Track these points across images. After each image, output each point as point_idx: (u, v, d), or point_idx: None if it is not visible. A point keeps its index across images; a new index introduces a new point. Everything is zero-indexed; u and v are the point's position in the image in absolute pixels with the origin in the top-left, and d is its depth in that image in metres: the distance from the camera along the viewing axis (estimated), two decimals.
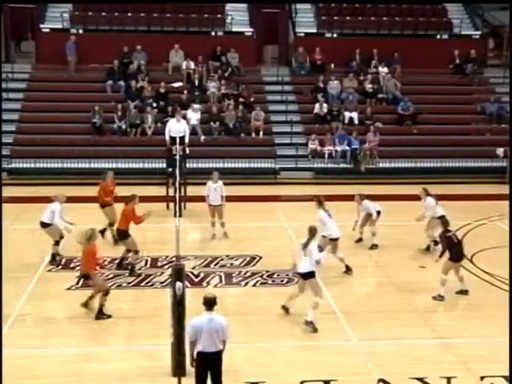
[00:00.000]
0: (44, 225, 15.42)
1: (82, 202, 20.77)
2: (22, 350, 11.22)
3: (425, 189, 16.39)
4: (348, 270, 14.79)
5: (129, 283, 14.13)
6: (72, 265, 15.25)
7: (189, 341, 9.28)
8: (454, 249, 13.44)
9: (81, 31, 28.31)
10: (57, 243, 15.45)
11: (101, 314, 12.53)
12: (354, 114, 26.76)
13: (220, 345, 9.17)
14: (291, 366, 10.74)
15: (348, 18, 29.69)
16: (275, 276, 14.75)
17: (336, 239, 14.54)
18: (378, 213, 16.34)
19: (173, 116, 23.63)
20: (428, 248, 16.17)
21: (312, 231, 12.29)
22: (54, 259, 15.41)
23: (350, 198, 17.55)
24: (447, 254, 13.50)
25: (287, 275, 14.73)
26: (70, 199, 20.55)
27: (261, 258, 15.90)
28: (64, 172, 23.63)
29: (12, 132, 25.52)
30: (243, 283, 14.48)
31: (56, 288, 13.98)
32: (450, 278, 13.47)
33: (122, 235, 14.90)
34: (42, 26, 28.53)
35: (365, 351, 11.24)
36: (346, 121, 26.63)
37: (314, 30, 29.81)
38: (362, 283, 14.61)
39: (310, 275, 12.13)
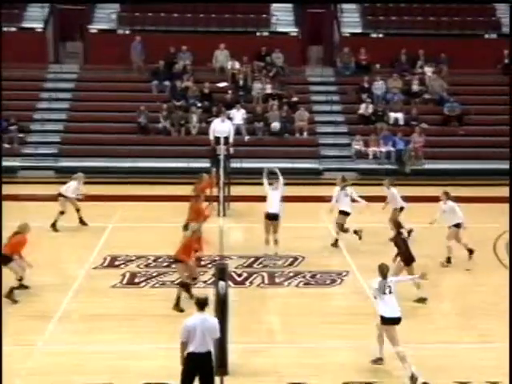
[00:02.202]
0: (60, 195, 17.97)
1: (126, 200, 21.05)
2: (68, 346, 11.40)
3: (446, 192, 15.91)
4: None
5: (172, 282, 14.23)
6: (117, 263, 15.45)
7: (180, 341, 9.18)
8: (407, 251, 13.28)
9: (127, 32, 28.63)
10: (61, 213, 17.75)
11: (176, 306, 12.66)
12: (400, 115, 26.55)
13: (211, 345, 9.16)
14: (334, 367, 10.71)
15: (394, 17, 29.46)
16: (318, 277, 14.72)
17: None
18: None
19: (217, 116, 23.76)
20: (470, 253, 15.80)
21: (383, 270, 10.75)
22: (54, 226, 17.65)
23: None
24: (399, 256, 13.35)
25: (330, 276, 14.71)
26: (114, 198, 21.00)
27: (304, 258, 15.88)
28: (109, 171, 23.92)
29: (60, 131, 25.95)
30: (286, 283, 14.48)
31: (101, 285, 14.16)
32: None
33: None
34: (89, 26, 28.94)
35: (409, 354, 11.13)
36: (391, 121, 26.44)
37: (360, 30, 29.64)
38: (407, 286, 14.46)
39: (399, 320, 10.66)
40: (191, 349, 9.09)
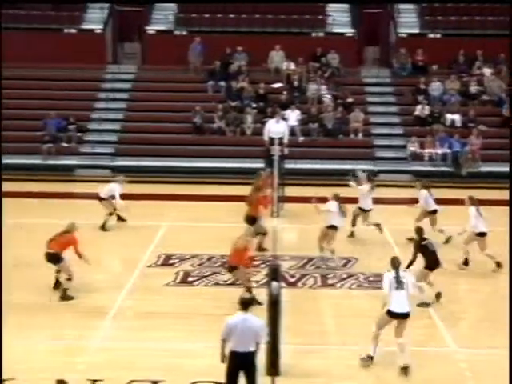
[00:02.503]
0: (100, 199, 17.95)
1: (181, 199, 21.29)
2: (123, 342, 11.59)
3: (470, 197, 15.60)
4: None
5: (225, 281, 14.33)
6: (171, 261, 15.61)
7: (220, 338, 9.30)
8: (430, 257, 13.07)
9: (184, 33, 28.90)
10: (110, 214, 17.87)
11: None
12: (457, 116, 26.17)
13: (252, 346, 9.17)
14: (385, 370, 10.62)
15: (452, 17, 29.06)
16: (371, 279, 14.62)
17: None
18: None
19: (272, 117, 23.80)
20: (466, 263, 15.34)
21: (395, 262, 10.86)
22: (104, 226, 17.73)
23: (449, 202, 17.27)
24: (423, 262, 13.13)
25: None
26: (168, 197, 21.28)
27: (357, 260, 15.81)
28: (165, 170, 24.20)
29: (117, 131, 26.36)
30: (339, 285, 14.44)
31: (155, 283, 14.33)
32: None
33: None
34: (147, 27, 29.32)
35: (464, 359, 11.00)
36: (448, 123, 26.09)
37: (417, 31, 29.32)
38: (462, 290, 14.29)
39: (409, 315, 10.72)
40: (231, 347, 9.19)
